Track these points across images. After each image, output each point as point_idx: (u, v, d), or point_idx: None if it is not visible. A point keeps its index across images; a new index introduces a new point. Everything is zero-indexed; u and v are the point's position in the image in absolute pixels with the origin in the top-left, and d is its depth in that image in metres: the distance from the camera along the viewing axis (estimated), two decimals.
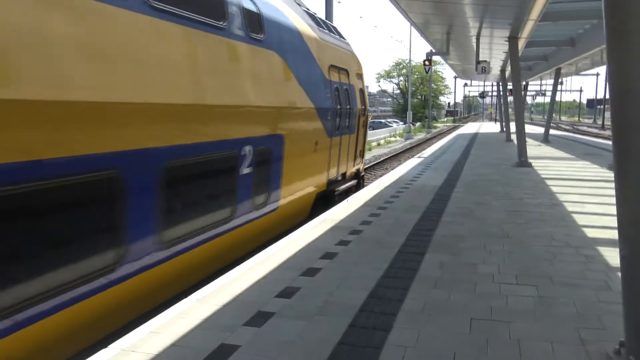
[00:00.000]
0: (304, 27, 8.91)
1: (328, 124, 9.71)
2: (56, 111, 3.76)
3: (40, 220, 3.76)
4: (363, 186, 13.07)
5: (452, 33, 18.04)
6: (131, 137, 4.47)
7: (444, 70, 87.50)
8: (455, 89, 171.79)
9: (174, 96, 5.00)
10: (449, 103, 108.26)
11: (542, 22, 14.88)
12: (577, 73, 44.89)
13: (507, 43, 17.18)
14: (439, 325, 4.13)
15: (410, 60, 48.48)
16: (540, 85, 63.76)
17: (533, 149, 21.87)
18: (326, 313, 4.36)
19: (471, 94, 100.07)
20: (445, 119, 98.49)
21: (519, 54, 18.48)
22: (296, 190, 8.54)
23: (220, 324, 4.12)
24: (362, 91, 12.78)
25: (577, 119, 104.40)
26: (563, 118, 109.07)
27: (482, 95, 65.47)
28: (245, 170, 6.51)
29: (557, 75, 28.33)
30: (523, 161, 15.62)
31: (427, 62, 20.22)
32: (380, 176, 15.96)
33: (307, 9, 10.40)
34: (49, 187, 3.73)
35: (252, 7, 6.80)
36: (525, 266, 5.69)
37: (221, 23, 5.93)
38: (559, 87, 39.29)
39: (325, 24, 10.85)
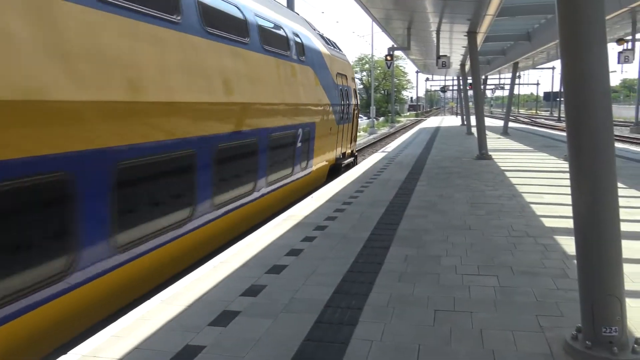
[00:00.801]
0: (322, 47, 12.92)
1: (337, 115, 13.65)
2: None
3: None
4: (356, 163, 17.00)
5: (413, 28, 18.25)
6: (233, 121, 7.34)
7: (406, 65, 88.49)
8: (417, 83, 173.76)
9: (275, 98, 8.98)
10: (411, 98, 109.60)
11: (500, 17, 15.22)
12: (534, 67, 46.08)
13: (467, 38, 17.50)
14: (404, 318, 4.19)
15: (372, 55, 48.86)
16: (499, 79, 65.29)
17: (493, 141, 22.38)
18: (292, 310, 4.36)
19: (433, 89, 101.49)
20: (408, 114, 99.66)
21: (478, 49, 18.85)
22: (320, 161, 12.51)
23: (185, 325, 4.06)
24: (355, 90, 16.61)
25: (534, 111, 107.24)
26: (521, 111, 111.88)
27: (444, 89, 66.48)
28: (299, 144, 10.43)
29: (515, 69, 29.04)
30: (483, 154, 15.96)
31: (388, 57, 20.37)
32: (345, 172, 16.22)
33: (321, 33, 14.34)
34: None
35: (299, 40, 10.89)
36: (487, 257, 5.82)
37: (287, 53, 9.94)
38: (517, 81, 40.31)
39: (331, 42, 14.93)
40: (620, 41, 19.12)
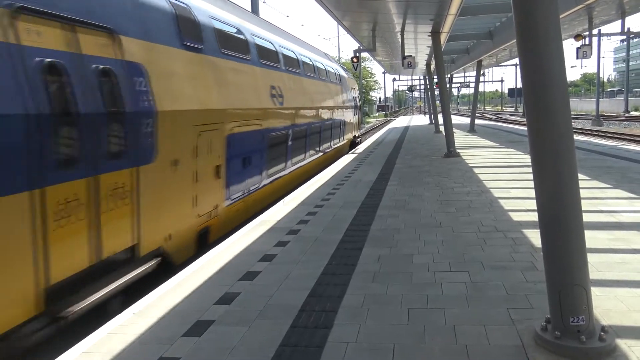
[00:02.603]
0: (343, 72, 22.06)
1: (352, 111, 22.88)
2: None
3: None
4: (360, 142, 26.45)
5: (378, 30, 18.41)
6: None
7: (373, 66, 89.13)
8: (385, 84, 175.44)
9: (333, 104, 17.60)
10: (379, 98, 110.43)
11: (462, 16, 15.49)
12: (497, 64, 47.02)
13: (431, 38, 17.75)
14: (379, 318, 4.22)
15: (339, 57, 49.04)
16: (464, 77, 66.37)
17: (461, 139, 22.73)
18: (267, 316, 4.35)
19: (400, 89, 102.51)
20: (377, 114, 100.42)
21: (442, 48, 19.11)
22: (346, 138, 21.46)
23: (159, 337, 4.01)
24: (357, 97, 25.97)
25: (500, 108, 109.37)
26: (487, 108, 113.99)
27: (411, 89, 67.19)
28: (341, 127, 19.42)
29: (479, 67, 29.57)
30: (452, 151, 16.20)
31: (355, 59, 20.47)
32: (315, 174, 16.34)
33: (339, 63, 25.86)
34: None
35: (336, 72, 19.82)
36: (458, 253, 5.91)
37: (335, 80, 18.83)
38: (481, 78, 41.03)
39: (343, 67, 24.62)
40: (578, 37, 19.68)
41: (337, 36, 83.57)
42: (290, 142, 11.99)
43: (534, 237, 6.38)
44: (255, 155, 9.52)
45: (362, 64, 52.16)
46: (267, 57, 10.92)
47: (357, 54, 20.86)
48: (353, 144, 23.84)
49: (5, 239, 3.94)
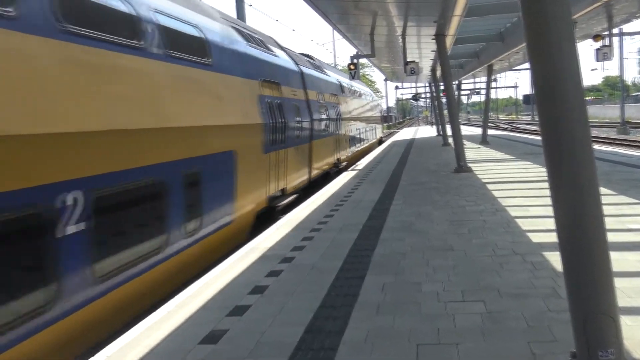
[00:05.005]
0: (366, 88, 37.86)
1: (379, 119, 41.34)
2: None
3: None
4: (383, 141, 40.31)
5: (377, 33, 18.60)
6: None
7: (373, 73, 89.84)
8: (387, 92, 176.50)
9: (360, 114, 28.58)
10: (381, 109, 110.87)
11: (469, 17, 15.68)
12: (510, 68, 47.42)
13: (435, 41, 17.94)
14: (384, 355, 4.19)
15: (335, 64, 49.44)
16: (474, 83, 66.82)
17: (472, 151, 22.84)
18: (259, 356, 4.31)
19: (404, 97, 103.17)
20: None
21: (448, 52, 19.33)
22: (375, 137, 36.98)
23: None
24: (380, 109, 43.75)
25: (514, 116, 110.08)
26: (501, 116, 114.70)
27: (416, 97, 67.59)
28: (373, 131, 35.25)
29: (490, 72, 29.84)
30: (462, 166, 16.25)
31: (352, 66, 20.61)
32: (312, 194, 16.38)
33: (360, 82, 35.95)
34: None
35: (369, 92, 37.50)
36: (471, 280, 5.89)
37: (370, 99, 34.98)
38: (493, 84, 41.35)
39: (365, 85, 41.10)
40: (597, 37, 19.89)
41: (333, 41, 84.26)
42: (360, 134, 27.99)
43: (556, 260, 6.37)
44: (354, 136, 25.38)
45: (360, 70, 52.58)
46: (351, 91, 26.27)
47: (355, 61, 21.03)
48: (380, 141, 39.41)
49: (258, 174, 10.55)
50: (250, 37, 11.66)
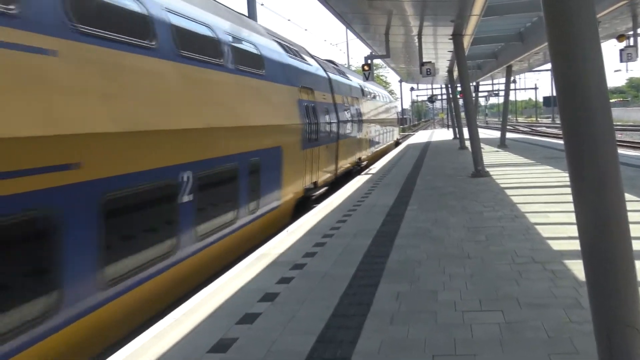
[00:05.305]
0: (384, 91, 40.44)
1: (396, 121, 43.34)
2: None
3: None
4: (400, 143, 41.86)
5: (392, 33, 18.57)
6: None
7: (388, 74, 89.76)
8: (402, 93, 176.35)
9: (379, 116, 30.53)
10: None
11: (487, 16, 15.60)
12: (530, 69, 47.19)
13: (452, 41, 17.86)
14: None
15: (349, 65, 49.47)
16: (492, 84, 66.55)
17: (490, 155, 22.70)
18: None
19: (420, 99, 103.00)
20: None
21: (466, 53, 19.23)
22: (392, 139, 39.34)
23: None
24: (397, 112, 45.43)
25: (534, 119, 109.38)
26: (520, 119, 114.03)
27: (432, 99, 67.42)
28: (390, 132, 37.81)
29: (509, 73, 29.66)
30: (480, 170, 16.14)
31: (366, 67, 20.60)
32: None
33: (378, 84, 41.64)
34: None
35: (387, 95, 40.64)
36: (489, 289, 5.83)
37: (388, 102, 37.38)
38: (512, 86, 41.19)
39: (383, 88, 45.06)
40: (620, 37, 19.70)
41: (346, 41, 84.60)
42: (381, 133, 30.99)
43: (578, 269, 6.30)
44: (374, 136, 27.58)
45: (375, 71, 52.69)
46: (371, 93, 28.25)
47: (369, 61, 21.01)
48: (397, 143, 41.77)
49: (297, 168, 12.55)
50: (289, 49, 13.73)
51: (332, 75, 18.04)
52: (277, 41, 13.08)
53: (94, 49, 5.45)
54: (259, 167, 9.79)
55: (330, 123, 16.17)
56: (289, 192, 11.95)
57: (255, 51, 10.58)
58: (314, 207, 12.72)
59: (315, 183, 14.65)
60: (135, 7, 6.48)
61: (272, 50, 11.92)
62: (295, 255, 7.81)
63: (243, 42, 10.12)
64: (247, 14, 19.38)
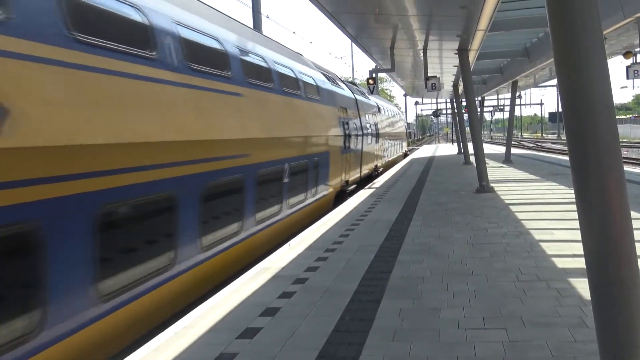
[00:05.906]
0: (394, 108, 43.08)
1: (405, 133, 47.16)
2: None
3: None
4: (408, 154, 46.02)
5: (397, 47, 18.67)
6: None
7: (392, 87, 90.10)
8: (406, 107, 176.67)
9: (391, 130, 34.22)
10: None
11: (493, 32, 15.68)
12: (535, 85, 47.27)
13: (458, 56, 17.95)
14: None
15: (353, 78, 49.68)
16: (497, 99, 66.68)
17: (495, 171, 22.71)
18: None
19: (424, 113, 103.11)
20: None
21: (471, 68, 19.32)
22: (402, 150, 42.54)
23: None
24: (405, 125, 49.37)
25: (540, 135, 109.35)
26: (525, 135, 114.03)
27: (436, 113, 67.57)
28: (398, 145, 39.57)
29: (514, 89, 29.76)
30: (484, 186, 16.13)
31: (371, 81, 20.73)
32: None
33: (388, 101, 49.51)
34: None
35: (397, 110, 44.95)
36: (493, 306, 5.82)
37: (397, 118, 40.39)
38: (517, 101, 41.28)
39: (397, 105, 66.40)
40: (627, 54, 19.76)
41: (351, 54, 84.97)
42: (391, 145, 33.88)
43: (583, 287, 6.28)
44: (388, 147, 31.65)
45: (379, 85, 53.19)
46: (385, 110, 31.23)
47: (374, 75, 21.11)
48: (405, 154, 44.67)
49: (338, 168, 16.71)
50: (330, 78, 17.71)
51: (357, 96, 21.83)
52: (322, 72, 17.19)
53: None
54: (318, 165, 13.72)
55: (357, 135, 19.88)
56: (333, 185, 15.96)
57: (313, 83, 14.44)
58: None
59: (347, 181, 18.47)
60: (263, 64, 10.47)
61: (322, 81, 15.92)
62: (296, 269, 7.80)
63: (306, 76, 13.98)
64: (252, 26, 19.53)
